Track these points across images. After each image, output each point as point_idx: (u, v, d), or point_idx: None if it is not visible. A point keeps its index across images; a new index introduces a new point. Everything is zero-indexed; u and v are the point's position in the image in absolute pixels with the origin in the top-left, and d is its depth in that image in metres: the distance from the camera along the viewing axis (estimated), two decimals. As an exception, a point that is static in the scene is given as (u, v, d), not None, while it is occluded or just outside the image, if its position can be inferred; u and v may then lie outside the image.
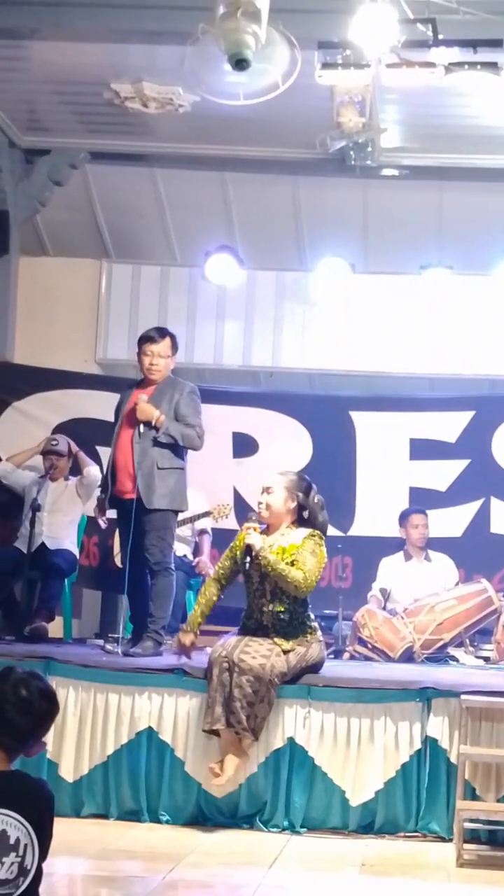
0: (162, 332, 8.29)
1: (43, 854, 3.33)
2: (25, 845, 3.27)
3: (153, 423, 8.02)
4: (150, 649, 7.82)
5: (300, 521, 7.28)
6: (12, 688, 3.42)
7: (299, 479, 7.35)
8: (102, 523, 8.66)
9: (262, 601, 7.13)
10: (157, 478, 8.01)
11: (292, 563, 7.04)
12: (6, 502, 9.94)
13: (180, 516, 9.41)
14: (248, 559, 7.08)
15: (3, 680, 3.44)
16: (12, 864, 3.25)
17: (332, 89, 8.77)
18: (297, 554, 7.07)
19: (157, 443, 8.03)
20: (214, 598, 7.30)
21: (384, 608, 9.31)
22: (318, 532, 7.22)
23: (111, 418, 8.41)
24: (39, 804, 3.36)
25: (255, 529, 7.16)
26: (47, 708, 3.46)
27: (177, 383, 8.25)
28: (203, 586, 7.53)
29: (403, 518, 9.84)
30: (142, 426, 8.04)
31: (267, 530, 7.25)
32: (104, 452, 9.02)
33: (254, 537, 7.11)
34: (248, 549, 7.08)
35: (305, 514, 7.27)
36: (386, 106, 9.31)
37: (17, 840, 3.26)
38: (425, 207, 10.77)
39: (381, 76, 8.18)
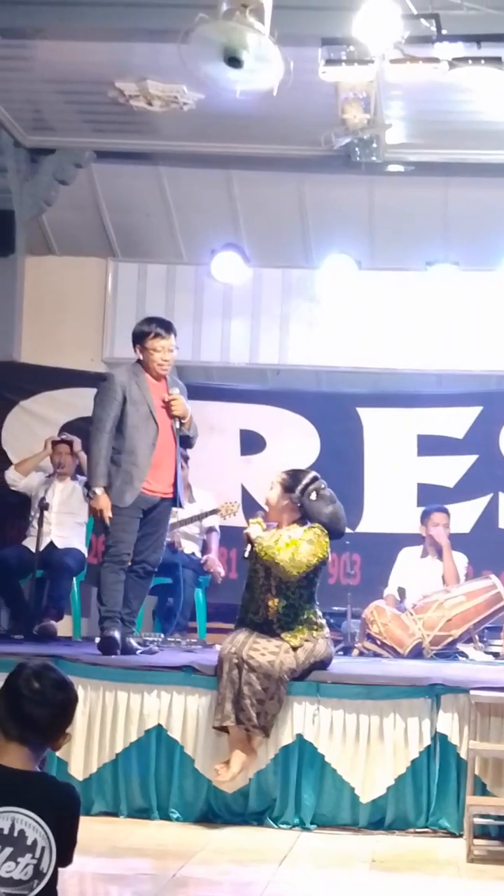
0: (170, 327, 8.01)
1: (62, 858, 3.29)
2: (43, 848, 3.25)
3: (183, 421, 7.87)
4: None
5: (307, 519, 7.32)
6: (25, 681, 3.37)
7: (290, 477, 7.37)
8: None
9: (267, 596, 7.15)
10: (181, 478, 8.00)
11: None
12: (15, 503, 9.96)
13: (189, 514, 9.45)
14: (249, 548, 7.15)
15: (15, 675, 3.41)
16: (27, 864, 3.23)
17: (336, 86, 8.74)
18: (296, 545, 7.10)
19: (182, 441, 7.94)
20: None
21: (401, 607, 9.25)
22: (318, 525, 7.23)
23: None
24: (61, 808, 3.32)
25: (258, 523, 7.24)
26: (63, 699, 3.41)
27: (173, 380, 8.14)
28: None
29: (426, 515, 9.78)
30: (177, 422, 7.85)
31: (277, 528, 7.30)
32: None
33: (252, 528, 7.21)
34: (248, 538, 7.18)
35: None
36: (390, 102, 9.29)
37: (35, 842, 3.24)
38: (431, 203, 10.75)
39: (386, 72, 8.16)
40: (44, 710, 3.36)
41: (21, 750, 3.34)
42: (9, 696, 3.37)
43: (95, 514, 7.79)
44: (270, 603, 7.14)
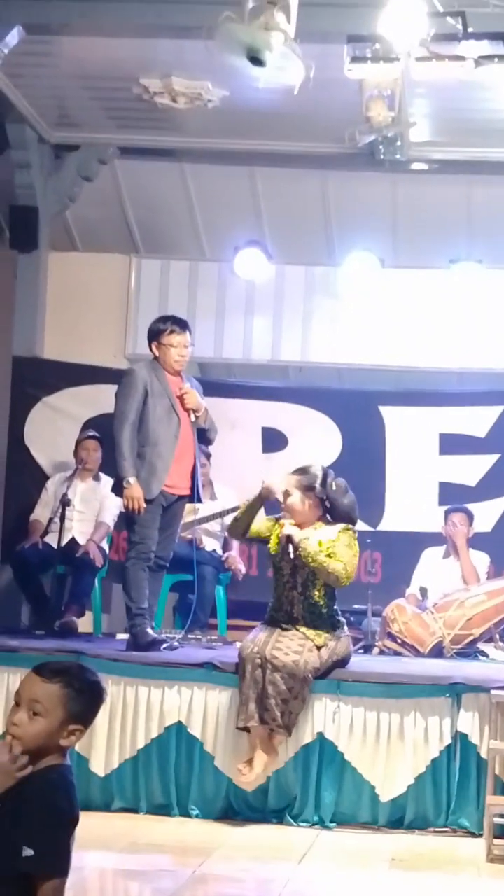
0: (186, 324, 8.10)
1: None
2: None
3: (197, 414, 7.88)
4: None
5: (330, 515, 7.29)
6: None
7: (304, 476, 7.28)
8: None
9: (293, 594, 7.13)
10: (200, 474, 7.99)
11: (328, 556, 7.04)
12: (37, 501, 9.93)
13: (210, 511, 9.43)
14: (291, 548, 7.04)
15: (93, 672, 3.33)
16: None
17: (361, 83, 8.72)
18: (332, 547, 7.07)
19: (200, 436, 7.94)
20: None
21: (422, 606, 9.23)
22: (351, 527, 7.22)
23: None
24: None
25: (291, 523, 7.18)
26: (83, 680, 3.35)
27: (188, 378, 8.13)
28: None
29: (446, 515, 9.72)
30: (191, 415, 7.87)
31: (300, 527, 7.26)
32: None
33: (291, 528, 7.12)
34: (288, 539, 7.08)
35: (327, 504, 7.28)
36: (415, 100, 9.28)
37: None
38: (454, 201, 10.73)
39: (411, 70, 8.15)
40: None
41: None
42: None
43: (130, 504, 7.73)
44: (296, 600, 7.12)
